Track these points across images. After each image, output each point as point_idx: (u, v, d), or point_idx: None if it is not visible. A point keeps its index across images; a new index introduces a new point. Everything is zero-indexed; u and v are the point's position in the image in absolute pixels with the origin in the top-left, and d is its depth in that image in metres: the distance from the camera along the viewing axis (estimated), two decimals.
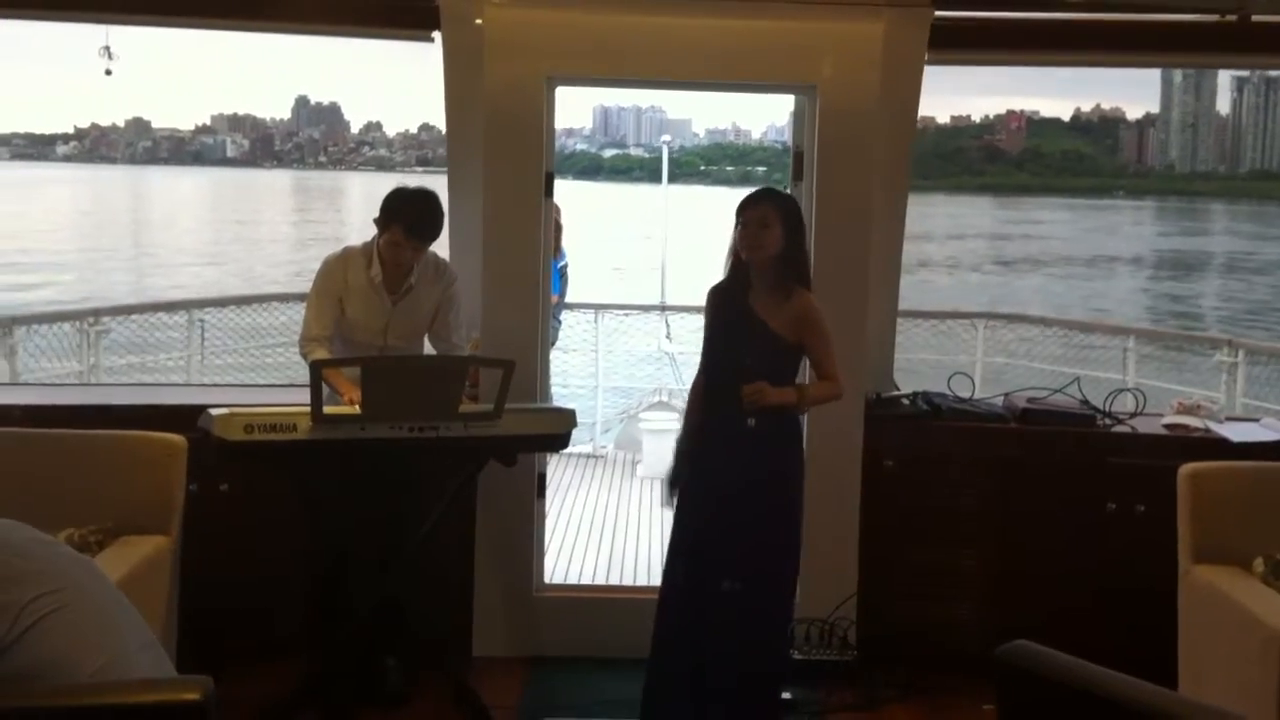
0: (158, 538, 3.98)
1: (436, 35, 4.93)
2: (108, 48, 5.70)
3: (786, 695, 4.20)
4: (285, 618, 4.63)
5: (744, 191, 4.09)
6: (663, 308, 10.78)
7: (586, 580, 6.01)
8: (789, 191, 4.96)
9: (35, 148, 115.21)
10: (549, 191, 4.79)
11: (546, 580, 5.11)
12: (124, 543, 3.89)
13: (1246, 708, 3.53)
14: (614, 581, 6.04)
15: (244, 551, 4.66)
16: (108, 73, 5.72)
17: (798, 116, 4.90)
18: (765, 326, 3.88)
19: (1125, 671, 2.03)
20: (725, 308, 3.99)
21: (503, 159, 4.71)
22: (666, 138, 21.32)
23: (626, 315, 10.15)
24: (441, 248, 4.64)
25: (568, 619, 4.94)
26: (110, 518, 3.94)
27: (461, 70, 4.87)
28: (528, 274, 4.77)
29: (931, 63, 4.97)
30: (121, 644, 1.94)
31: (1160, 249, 58.57)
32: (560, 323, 8.24)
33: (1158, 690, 2.01)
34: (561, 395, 8.52)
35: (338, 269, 4.47)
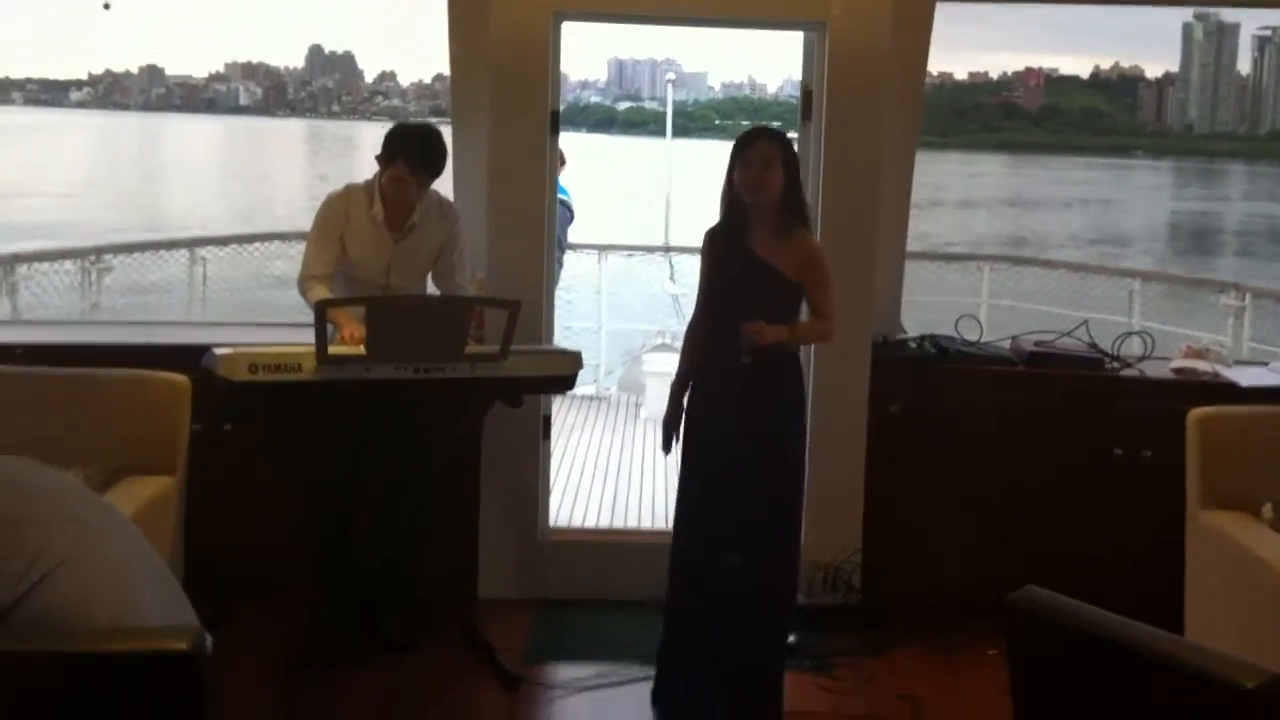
0: (163, 478, 3.98)
1: None
2: None
3: (791, 639, 4.19)
4: (290, 558, 4.62)
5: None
6: (666, 249, 10.73)
7: (591, 523, 6.01)
8: (796, 131, 4.91)
9: (49, 93, 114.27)
10: (555, 129, 4.73)
11: (551, 523, 5.11)
12: (129, 483, 3.88)
13: (1254, 653, 3.51)
14: (619, 524, 6.04)
15: (249, 492, 4.65)
16: (106, 7, 5.64)
17: (807, 54, 4.82)
18: (770, 268, 3.83)
19: (1132, 617, 2.02)
20: (726, 251, 3.93)
21: (508, 96, 4.65)
22: (670, 76, 21.19)
23: (631, 255, 10.09)
24: (445, 187, 4.59)
25: (573, 562, 4.94)
26: (115, 458, 3.94)
27: (467, 6, 4.79)
28: (533, 214, 4.72)
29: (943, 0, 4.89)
30: (139, 592, 1.90)
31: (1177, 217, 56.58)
32: (562, 265, 8.19)
33: (1167, 636, 2.00)
34: (564, 337, 8.50)
35: (339, 206, 4.41)
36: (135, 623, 1.84)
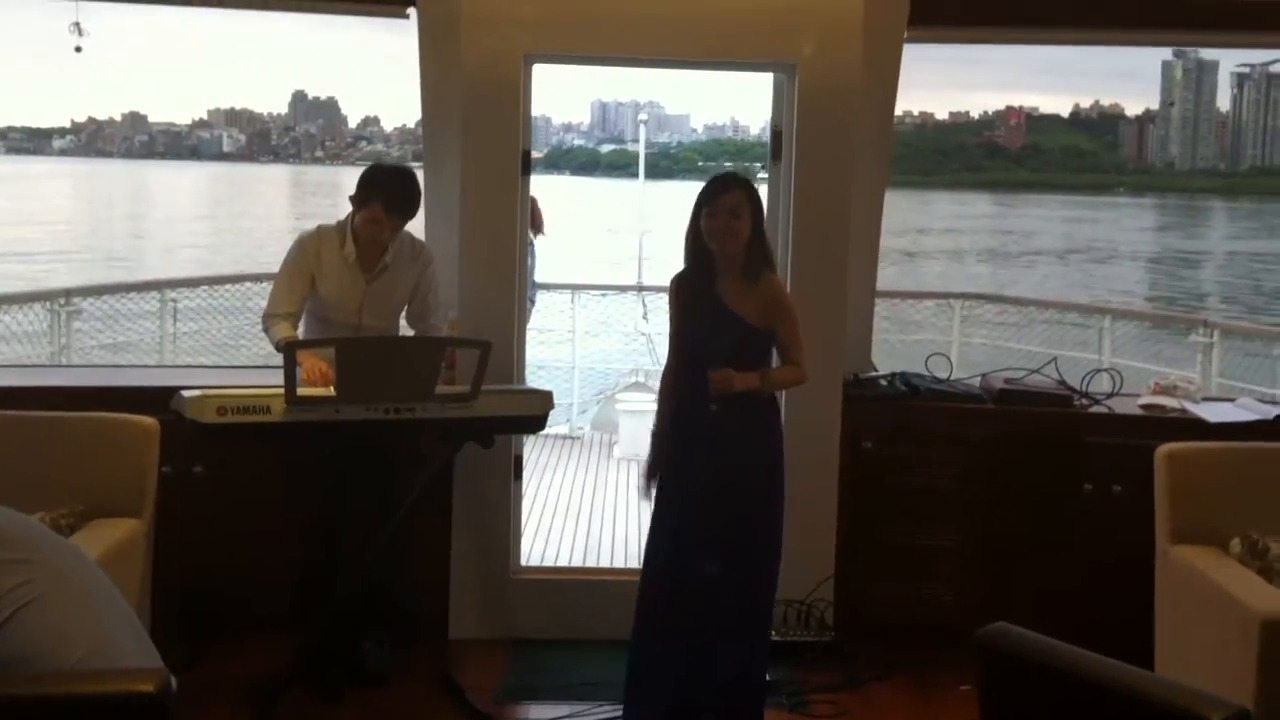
0: (131, 520, 3.94)
1: (412, 11, 4.88)
2: (78, 24, 5.61)
3: (767, 676, 4.19)
4: (262, 599, 4.59)
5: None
6: (639, 288, 10.75)
7: (564, 562, 5.99)
8: (764, 171, 4.96)
9: (32, 141, 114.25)
10: (526, 170, 4.75)
11: (524, 562, 5.09)
12: (96, 525, 3.85)
13: (1224, 688, 3.54)
14: (591, 563, 6.02)
15: (219, 533, 4.62)
16: (78, 49, 5.63)
17: (777, 95, 4.87)
18: (735, 315, 3.84)
19: (1102, 651, 2.03)
20: (693, 297, 3.94)
21: (480, 138, 4.67)
22: (643, 116, 21.35)
23: (604, 295, 10.11)
24: (417, 228, 4.60)
25: (545, 601, 4.92)
26: (82, 500, 3.90)
27: (438, 47, 4.82)
28: (505, 254, 4.73)
29: (911, 40, 4.96)
30: (106, 633, 1.89)
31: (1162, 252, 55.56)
32: (534, 303, 8.21)
33: (1135, 671, 2.01)
34: (536, 377, 8.51)
35: (311, 246, 4.41)
36: (101, 664, 1.83)
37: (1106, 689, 2.00)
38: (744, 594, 3.88)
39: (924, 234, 49.54)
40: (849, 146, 4.75)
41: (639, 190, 13.90)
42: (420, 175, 4.67)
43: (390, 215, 4.29)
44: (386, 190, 4.29)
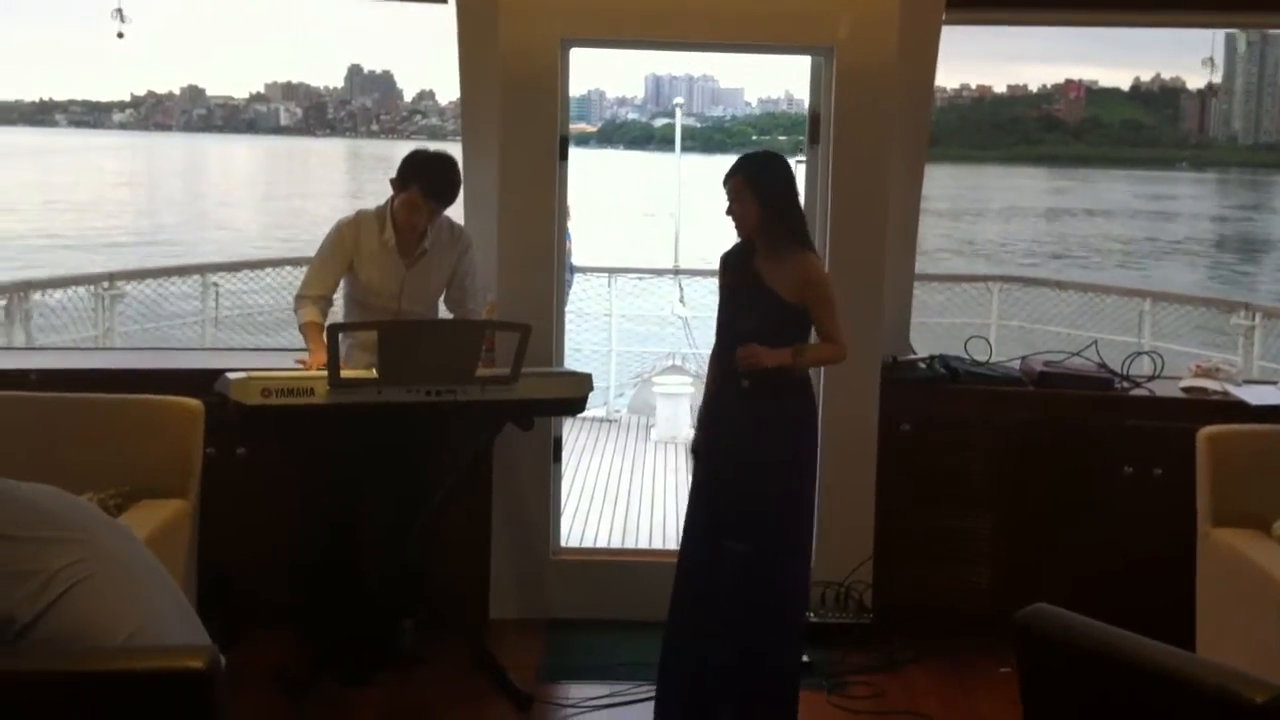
0: (176, 501, 3.99)
1: None
2: (120, 10, 5.68)
3: (804, 658, 4.21)
4: (303, 579, 4.63)
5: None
6: (675, 271, 10.76)
7: (602, 544, 6.03)
8: (802, 155, 4.95)
9: (92, 114, 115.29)
10: (564, 155, 4.76)
11: (563, 544, 5.13)
12: (143, 506, 3.90)
13: (1265, 670, 3.52)
14: (629, 545, 6.06)
15: (261, 515, 4.67)
16: (120, 35, 5.71)
17: (814, 78, 4.85)
18: (768, 289, 3.86)
19: (1143, 634, 2.03)
20: (734, 273, 3.98)
21: (517, 123, 4.68)
22: (679, 100, 21.40)
23: (641, 279, 10.13)
24: (456, 212, 4.63)
25: (584, 582, 4.95)
26: (128, 482, 3.96)
27: (476, 32, 4.83)
28: (543, 238, 4.75)
29: (949, 22, 4.92)
30: (153, 612, 1.93)
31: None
32: (570, 286, 8.24)
33: (1176, 652, 2.01)
34: (573, 360, 8.55)
35: (349, 232, 4.44)
36: (151, 641, 1.87)
37: (1148, 670, 2.00)
38: (775, 575, 3.89)
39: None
40: (886, 129, 4.73)
41: (676, 169, 13.90)
42: (459, 153, 4.69)
43: (429, 201, 4.32)
44: (425, 176, 4.32)
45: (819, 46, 4.74)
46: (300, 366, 4.23)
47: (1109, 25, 5.44)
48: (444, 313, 4.63)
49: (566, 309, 6.14)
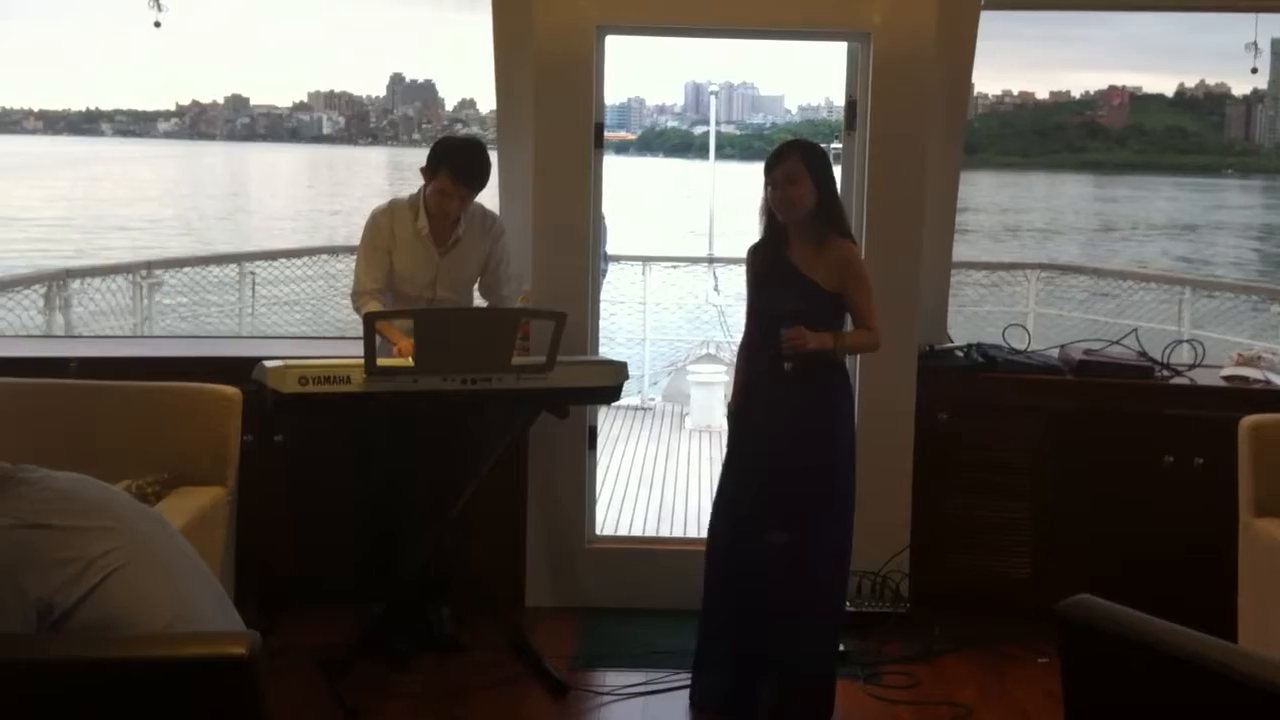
0: (215, 488, 4.02)
1: None
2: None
3: (840, 647, 4.19)
4: (340, 568, 4.67)
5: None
6: (710, 260, 10.74)
7: (637, 532, 6.03)
8: (839, 142, 4.91)
9: (137, 124, 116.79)
10: (599, 143, 4.75)
11: (597, 532, 5.13)
12: (181, 493, 3.93)
13: None
14: (664, 533, 6.06)
15: (299, 502, 4.70)
16: (156, 24, 5.73)
17: (850, 65, 4.82)
18: (805, 279, 3.84)
19: (1184, 625, 2.00)
20: (765, 264, 3.96)
21: (552, 110, 4.68)
22: (714, 86, 21.40)
23: (675, 267, 10.12)
24: (491, 200, 4.62)
25: (619, 570, 4.95)
26: (167, 469, 3.98)
27: (510, 19, 4.83)
28: (578, 226, 4.75)
29: (988, 7, 4.88)
30: (189, 599, 1.94)
31: None
32: (605, 274, 8.23)
33: (1222, 644, 1.98)
34: (607, 348, 8.56)
35: (384, 222, 4.46)
36: (188, 628, 1.89)
37: (1192, 662, 1.97)
38: (813, 565, 3.88)
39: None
40: (923, 116, 4.70)
41: (710, 169, 14.22)
42: (494, 149, 4.68)
43: (459, 185, 4.31)
44: (454, 161, 4.32)
45: (856, 32, 4.71)
46: (398, 355, 4.21)
47: (1145, 10, 5.37)
48: (477, 300, 4.64)
49: (601, 297, 6.14)
